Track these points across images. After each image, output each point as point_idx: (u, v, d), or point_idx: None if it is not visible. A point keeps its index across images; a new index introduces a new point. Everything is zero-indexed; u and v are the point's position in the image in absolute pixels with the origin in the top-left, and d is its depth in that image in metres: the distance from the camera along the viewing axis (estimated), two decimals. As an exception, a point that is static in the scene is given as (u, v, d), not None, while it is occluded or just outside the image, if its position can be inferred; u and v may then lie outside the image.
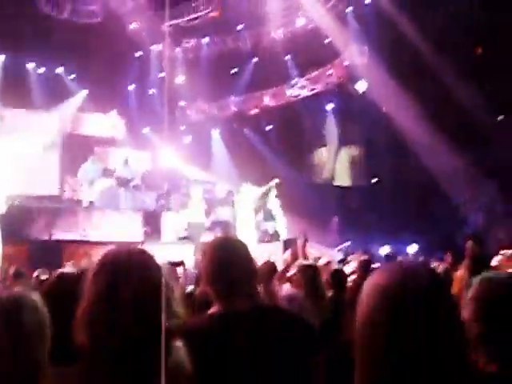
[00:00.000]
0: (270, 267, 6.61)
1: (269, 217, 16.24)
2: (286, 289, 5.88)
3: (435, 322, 1.48)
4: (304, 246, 7.04)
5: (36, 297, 1.95)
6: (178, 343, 1.93)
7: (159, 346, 1.60)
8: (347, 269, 7.40)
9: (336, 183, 25.01)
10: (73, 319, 1.88)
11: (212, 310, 2.62)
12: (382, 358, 1.48)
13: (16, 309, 1.86)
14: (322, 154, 25.39)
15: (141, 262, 1.88)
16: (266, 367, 2.42)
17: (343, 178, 25.34)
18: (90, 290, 1.84)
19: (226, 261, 2.56)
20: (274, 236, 16.28)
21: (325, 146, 25.24)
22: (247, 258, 2.63)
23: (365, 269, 6.76)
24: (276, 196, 15.66)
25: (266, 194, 15.65)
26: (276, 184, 14.98)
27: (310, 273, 5.48)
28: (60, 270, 3.17)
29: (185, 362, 1.93)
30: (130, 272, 1.83)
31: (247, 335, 2.45)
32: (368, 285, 1.59)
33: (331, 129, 24.71)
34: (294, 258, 7.02)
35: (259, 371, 2.40)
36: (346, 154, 25.34)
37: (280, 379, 2.43)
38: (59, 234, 14.29)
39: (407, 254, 16.93)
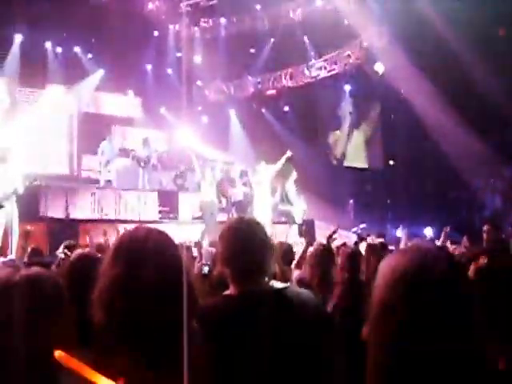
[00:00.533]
0: (286, 248, 6.64)
1: (285, 199, 16.23)
2: (296, 273, 5.91)
3: (452, 307, 1.45)
4: (330, 236, 7.01)
5: (55, 276, 1.97)
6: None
7: (179, 329, 1.59)
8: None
9: (348, 164, 24.95)
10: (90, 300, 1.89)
11: (228, 292, 2.63)
12: (394, 343, 1.46)
13: (37, 286, 1.88)
14: (338, 136, 25.31)
15: (159, 243, 1.87)
16: (283, 346, 2.43)
17: (357, 160, 25.27)
18: (108, 271, 1.83)
19: (243, 242, 2.57)
20: (290, 218, 16.28)
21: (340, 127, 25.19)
22: (264, 239, 2.63)
23: (373, 253, 6.69)
24: (294, 180, 15.62)
25: (281, 175, 15.60)
26: (287, 158, 14.87)
27: (325, 254, 5.49)
28: (78, 251, 3.18)
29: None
30: (148, 253, 1.81)
31: (263, 315, 2.45)
32: (385, 267, 1.55)
33: (346, 110, 24.62)
34: (310, 243, 7.03)
35: (275, 351, 2.41)
36: (361, 135, 25.26)
37: (296, 358, 2.43)
38: (76, 213, 14.37)
39: (424, 236, 16.85)
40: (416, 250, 1.57)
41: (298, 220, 16.03)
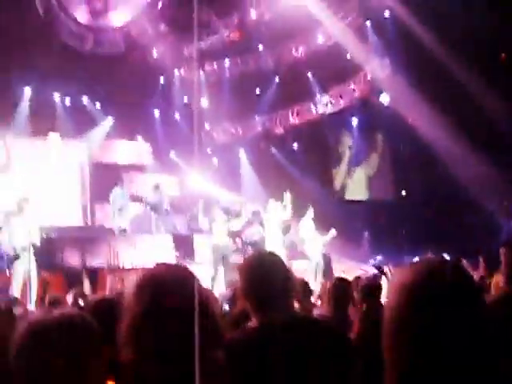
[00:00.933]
0: (302, 284, 6.64)
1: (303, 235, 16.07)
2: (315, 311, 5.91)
3: (459, 318, 1.46)
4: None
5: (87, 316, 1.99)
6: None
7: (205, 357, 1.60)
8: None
9: (350, 198, 24.96)
10: (114, 339, 1.91)
11: (250, 324, 2.64)
12: (407, 357, 1.47)
13: (72, 326, 1.90)
14: (337, 171, 25.42)
15: (179, 274, 1.90)
16: (306, 375, 2.42)
17: (358, 193, 25.27)
18: (132, 308, 1.85)
19: (262, 273, 2.59)
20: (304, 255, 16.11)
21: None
22: (283, 270, 2.65)
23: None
24: (312, 219, 15.51)
25: (297, 212, 15.55)
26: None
27: (341, 287, 5.50)
28: (97, 295, 3.22)
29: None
30: (170, 285, 1.85)
31: (285, 347, 2.46)
32: (393, 283, 1.58)
33: (346, 144, 24.78)
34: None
35: (299, 380, 2.41)
36: (364, 168, 25.28)
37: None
38: (92, 262, 14.41)
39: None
40: (422, 265, 1.59)
41: (316, 256, 15.81)
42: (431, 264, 1.58)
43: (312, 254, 15.16)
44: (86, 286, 9.09)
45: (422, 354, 1.45)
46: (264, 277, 2.58)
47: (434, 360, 1.44)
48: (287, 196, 15.03)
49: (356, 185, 25.34)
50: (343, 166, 25.25)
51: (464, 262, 8.54)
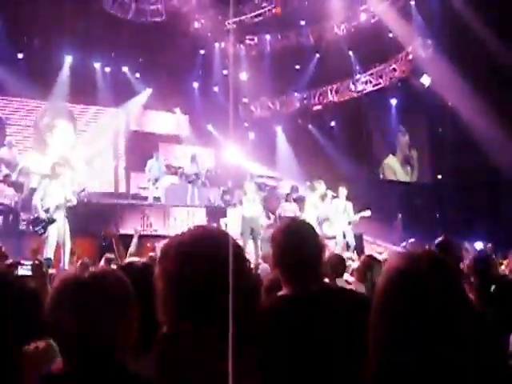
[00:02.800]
0: (336, 260, 6.60)
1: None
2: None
3: (434, 302, 1.61)
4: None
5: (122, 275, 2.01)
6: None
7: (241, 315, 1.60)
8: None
9: (385, 178, 24.78)
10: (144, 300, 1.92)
11: (281, 293, 2.63)
12: (383, 340, 1.63)
13: (104, 283, 1.92)
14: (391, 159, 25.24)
15: (218, 237, 1.90)
16: (336, 347, 2.42)
17: (394, 174, 25.10)
18: (170, 266, 1.86)
19: (294, 240, 2.57)
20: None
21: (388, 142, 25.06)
22: (315, 238, 2.64)
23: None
24: (347, 198, 15.36)
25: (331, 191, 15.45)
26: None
27: (371, 264, 5.48)
28: (128, 260, 3.22)
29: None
30: (208, 246, 1.85)
31: (317, 316, 2.45)
32: (385, 266, 1.78)
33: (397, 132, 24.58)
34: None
35: (329, 350, 2.40)
36: (400, 151, 25.10)
37: (349, 358, 2.43)
38: (126, 229, 14.53)
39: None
40: (407, 253, 1.84)
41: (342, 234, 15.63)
42: (412, 253, 1.76)
43: (333, 232, 15.05)
44: (133, 249, 9.09)
45: (394, 339, 1.62)
46: (297, 244, 2.56)
47: (406, 347, 1.60)
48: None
49: (393, 166, 25.15)
50: (381, 147, 25.06)
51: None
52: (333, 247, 14.07)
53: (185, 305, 1.79)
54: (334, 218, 14.94)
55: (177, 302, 1.81)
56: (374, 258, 5.86)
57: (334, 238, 14.82)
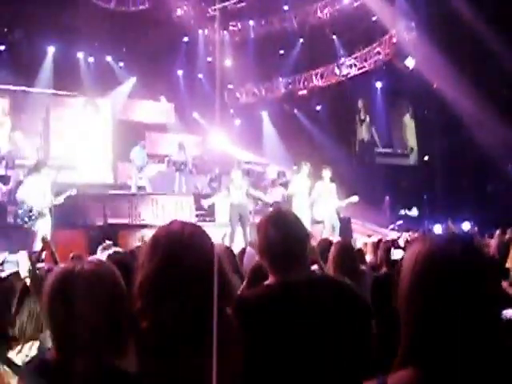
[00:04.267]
0: (325, 246, 6.61)
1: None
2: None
3: (464, 290, 1.59)
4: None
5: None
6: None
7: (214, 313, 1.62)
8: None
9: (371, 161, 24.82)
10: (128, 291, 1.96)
11: (268, 282, 2.65)
12: (421, 322, 1.63)
13: (99, 275, 1.94)
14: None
15: (194, 233, 1.94)
16: (320, 334, 2.45)
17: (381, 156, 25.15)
18: (147, 263, 1.90)
19: (279, 230, 2.59)
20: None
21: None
22: (300, 228, 2.66)
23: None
24: (331, 180, 15.34)
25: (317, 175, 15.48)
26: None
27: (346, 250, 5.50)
28: (113, 249, 3.25)
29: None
30: (185, 242, 1.90)
31: (303, 304, 2.47)
32: (407, 254, 1.73)
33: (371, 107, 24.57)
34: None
35: (312, 339, 2.43)
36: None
37: (332, 346, 2.45)
38: (114, 219, 14.52)
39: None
40: (437, 237, 1.76)
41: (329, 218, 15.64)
42: (445, 239, 1.72)
43: (321, 215, 15.05)
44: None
45: (428, 319, 1.61)
46: (280, 234, 2.58)
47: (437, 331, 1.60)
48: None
49: (378, 148, 25.20)
50: (366, 130, 25.09)
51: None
52: (320, 231, 14.12)
53: (163, 295, 1.83)
54: (321, 200, 14.96)
55: (156, 293, 1.86)
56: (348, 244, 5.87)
57: (323, 222, 14.85)
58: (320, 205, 14.89)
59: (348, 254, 5.28)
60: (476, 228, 15.85)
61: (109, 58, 21.71)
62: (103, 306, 1.88)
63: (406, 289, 1.67)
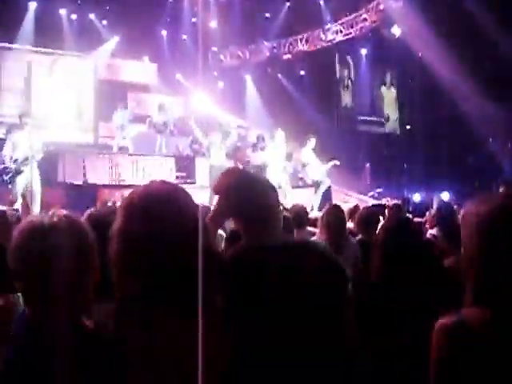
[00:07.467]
0: (298, 210, 6.63)
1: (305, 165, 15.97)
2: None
3: None
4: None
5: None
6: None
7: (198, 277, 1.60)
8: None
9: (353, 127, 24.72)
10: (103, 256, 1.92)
11: (241, 244, 2.64)
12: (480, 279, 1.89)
13: (77, 228, 1.94)
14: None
15: (175, 193, 1.92)
16: (298, 301, 2.46)
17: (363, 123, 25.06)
18: (123, 224, 1.87)
19: (252, 194, 2.58)
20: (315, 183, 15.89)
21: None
22: (271, 194, 2.65)
23: (395, 213, 6.76)
24: (313, 149, 15.35)
25: (299, 142, 15.52)
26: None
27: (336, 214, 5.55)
28: (89, 210, 3.21)
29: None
30: (164, 202, 1.87)
31: (277, 269, 2.48)
32: (468, 214, 2.02)
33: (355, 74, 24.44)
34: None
35: (290, 305, 2.45)
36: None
37: (312, 313, 2.47)
38: (94, 179, 14.48)
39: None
40: (491, 198, 2.03)
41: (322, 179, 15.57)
42: (498, 198, 1.99)
43: (315, 176, 15.10)
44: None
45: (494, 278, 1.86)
46: (253, 196, 2.57)
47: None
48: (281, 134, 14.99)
49: (361, 116, 25.11)
50: (349, 96, 25.00)
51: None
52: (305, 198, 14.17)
53: (139, 264, 1.82)
54: (314, 163, 15.04)
55: (131, 262, 1.83)
56: (338, 207, 5.90)
57: (318, 183, 14.91)
58: (314, 167, 14.98)
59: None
60: (453, 197, 15.97)
61: (92, 16, 21.41)
62: (70, 259, 1.84)
63: (475, 239, 1.90)
